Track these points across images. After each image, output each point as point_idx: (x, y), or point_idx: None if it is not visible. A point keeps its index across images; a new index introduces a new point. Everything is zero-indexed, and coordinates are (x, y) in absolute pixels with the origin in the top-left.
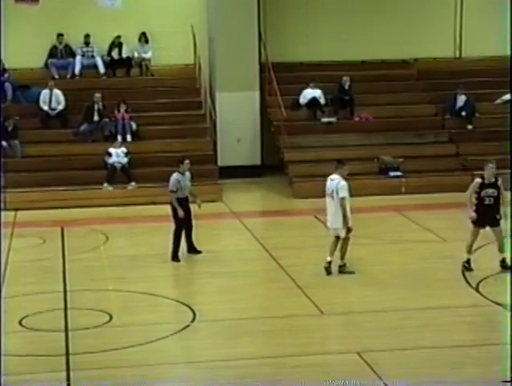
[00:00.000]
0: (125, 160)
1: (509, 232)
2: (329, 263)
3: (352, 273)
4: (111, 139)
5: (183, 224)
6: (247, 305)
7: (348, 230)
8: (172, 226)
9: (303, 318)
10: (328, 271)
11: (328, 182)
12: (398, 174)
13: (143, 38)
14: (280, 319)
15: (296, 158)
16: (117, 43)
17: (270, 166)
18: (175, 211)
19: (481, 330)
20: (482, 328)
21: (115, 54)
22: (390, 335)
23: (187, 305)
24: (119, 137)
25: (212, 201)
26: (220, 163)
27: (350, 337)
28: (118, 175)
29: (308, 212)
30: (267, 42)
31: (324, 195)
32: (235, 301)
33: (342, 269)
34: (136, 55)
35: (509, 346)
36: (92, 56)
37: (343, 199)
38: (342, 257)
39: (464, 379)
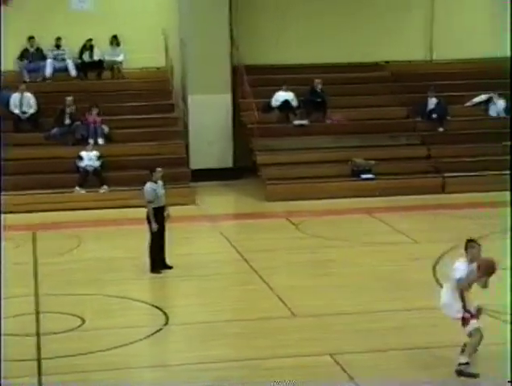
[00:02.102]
0: (97, 163)
1: (509, 235)
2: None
3: (476, 376)
4: (83, 142)
5: (159, 236)
6: (220, 308)
7: (463, 320)
8: (147, 232)
9: (275, 320)
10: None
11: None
12: (371, 176)
13: (115, 41)
14: (253, 322)
15: (269, 161)
16: (88, 46)
17: (242, 169)
18: (148, 221)
19: (454, 332)
20: (455, 329)
21: (86, 57)
22: (363, 337)
23: (160, 309)
24: (91, 141)
25: (185, 204)
26: (192, 166)
27: (323, 339)
28: (90, 179)
29: (281, 215)
30: (239, 44)
31: (296, 198)
32: (208, 303)
33: (460, 369)
34: (107, 58)
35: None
36: (63, 59)
37: (458, 280)
38: (462, 351)
39: (437, 380)
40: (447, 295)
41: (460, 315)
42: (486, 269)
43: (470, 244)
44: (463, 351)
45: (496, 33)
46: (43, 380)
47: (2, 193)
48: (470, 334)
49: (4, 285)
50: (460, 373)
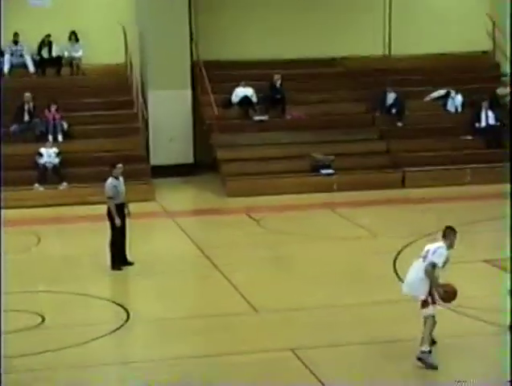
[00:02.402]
0: (56, 160)
1: (508, 232)
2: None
3: (435, 368)
4: (42, 139)
5: (120, 232)
6: (181, 305)
7: (424, 302)
8: (107, 229)
9: (237, 316)
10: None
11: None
12: (330, 171)
13: (73, 36)
14: (214, 318)
15: (229, 157)
16: (46, 42)
17: (202, 165)
18: (112, 218)
19: (414, 325)
20: (415, 322)
21: (45, 53)
22: (324, 332)
23: (121, 306)
24: (50, 137)
25: (145, 200)
26: (152, 162)
27: (284, 334)
28: (50, 175)
29: (241, 210)
30: (198, 40)
31: (256, 194)
32: (169, 300)
33: (422, 357)
34: (66, 54)
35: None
36: (22, 55)
37: (434, 265)
38: (422, 340)
39: (399, 373)
40: (417, 274)
41: (423, 297)
42: (452, 298)
43: (450, 230)
44: (423, 339)
45: (453, 28)
46: (4, 379)
47: None
48: (425, 319)
49: None
50: (420, 359)
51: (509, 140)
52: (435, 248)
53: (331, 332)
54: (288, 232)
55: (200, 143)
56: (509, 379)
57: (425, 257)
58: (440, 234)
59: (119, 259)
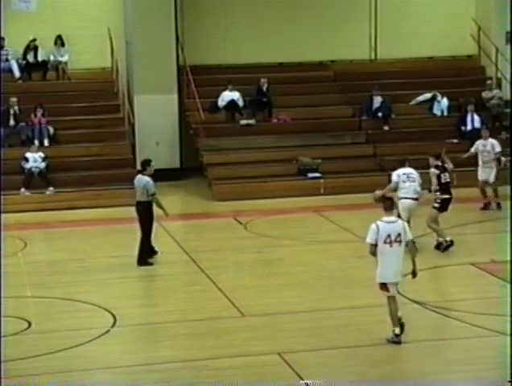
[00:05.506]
0: (42, 165)
1: (509, 230)
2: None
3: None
4: (28, 144)
5: (150, 228)
6: (168, 309)
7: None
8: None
9: (223, 320)
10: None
11: (382, 226)
12: (317, 175)
13: (59, 41)
14: (201, 322)
15: (215, 161)
16: (32, 47)
17: (189, 169)
18: (143, 215)
19: None
20: None
21: (30, 57)
22: (311, 335)
23: (108, 310)
24: (36, 142)
25: (132, 205)
26: (139, 167)
27: (271, 338)
28: (36, 180)
29: (228, 214)
30: (185, 44)
31: (243, 198)
32: (156, 304)
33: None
34: (52, 58)
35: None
36: (7, 60)
37: (414, 242)
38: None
39: (384, 376)
40: (399, 260)
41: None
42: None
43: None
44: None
45: (439, 33)
46: None
47: None
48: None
49: None
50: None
51: (509, 142)
52: (402, 227)
53: (317, 336)
54: (275, 235)
55: (187, 147)
56: (509, 379)
57: (394, 242)
58: (425, 238)
59: (147, 253)
